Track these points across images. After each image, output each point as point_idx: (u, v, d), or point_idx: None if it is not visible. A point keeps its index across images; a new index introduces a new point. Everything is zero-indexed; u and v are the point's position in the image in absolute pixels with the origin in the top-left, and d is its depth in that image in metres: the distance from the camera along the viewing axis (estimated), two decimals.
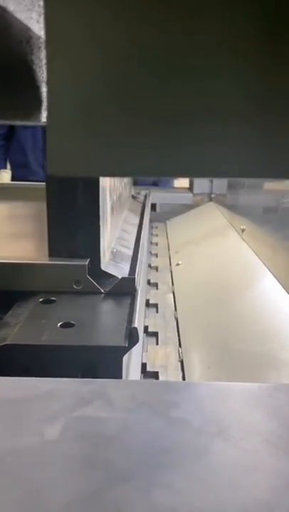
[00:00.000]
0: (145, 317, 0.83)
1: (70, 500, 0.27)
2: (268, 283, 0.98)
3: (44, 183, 0.67)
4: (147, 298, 0.92)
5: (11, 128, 2.42)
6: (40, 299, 0.62)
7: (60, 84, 0.24)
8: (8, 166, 2.52)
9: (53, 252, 0.66)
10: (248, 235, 1.28)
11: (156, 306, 0.91)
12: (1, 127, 2.45)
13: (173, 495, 0.28)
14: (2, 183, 1.95)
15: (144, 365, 0.67)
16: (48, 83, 0.23)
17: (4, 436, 0.32)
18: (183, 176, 0.25)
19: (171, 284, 1.06)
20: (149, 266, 1.14)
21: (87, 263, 0.63)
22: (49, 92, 0.23)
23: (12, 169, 2.51)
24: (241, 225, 1.35)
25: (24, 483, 0.28)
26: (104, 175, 0.29)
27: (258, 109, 0.24)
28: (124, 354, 0.51)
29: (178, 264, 1.19)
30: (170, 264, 1.21)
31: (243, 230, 1.31)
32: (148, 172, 0.25)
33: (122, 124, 0.24)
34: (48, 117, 0.23)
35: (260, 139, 0.25)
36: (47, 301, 0.62)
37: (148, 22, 0.24)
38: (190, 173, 0.26)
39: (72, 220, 0.66)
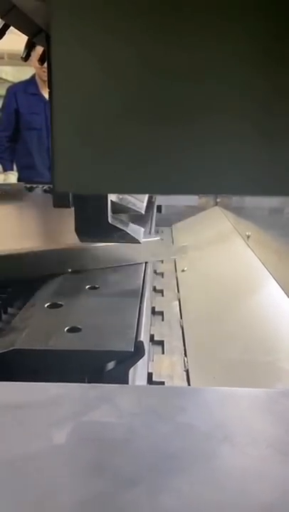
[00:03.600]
0: (151, 325, 0.83)
1: (78, 504, 0.28)
2: (274, 291, 0.98)
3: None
4: (153, 305, 0.92)
5: (17, 130, 2.43)
6: (47, 304, 0.62)
7: (65, 104, 0.24)
8: (15, 167, 2.53)
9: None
10: (253, 241, 1.28)
11: (162, 313, 0.91)
12: (7, 129, 2.46)
13: (180, 500, 0.28)
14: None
15: (150, 375, 0.68)
16: (52, 101, 0.24)
17: (14, 441, 0.33)
18: (194, 193, 0.25)
19: (176, 290, 1.06)
20: (155, 272, 1.14)
21: None
22: (54, 110, 0.24)
23: (18, 171, 2.52)
24: (247, 230, 1.35)
25: (33, 488, 0.29)
26: (110, 192, 0.30)
27: (264, 127, 0.25)
28: (132, 362, 0.52)
29: (183, 270, 1.19)
30: (176, 270, 1.21)
31: (248, 237, 1.31)
32: (154, 189, 0.25)
33: (127, 142, 0.24)
34: (53, 136, 0.24)
35: (266, 158, 0.25)
36: (54, 306, 0.62)
37: (150, 41, 0.24)
38: (202, 190, 0.26)
39: None
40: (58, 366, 0.51)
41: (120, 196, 0.64)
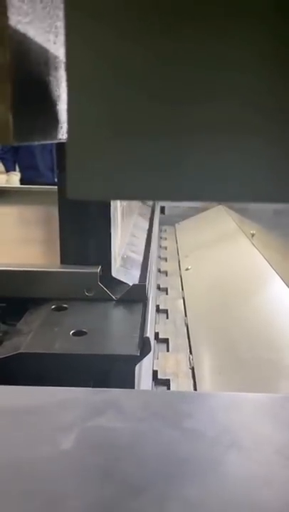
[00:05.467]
0: (156, 323, 0.83)
1: (84, 510, 0.28)
2: (279, 289, 0.97)
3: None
4: (157, 303, 0.92)
5: None
6: (53, 306, 0.62)
7: (80, 109, 0.24)
8: (17, 168, 2.53)
9: (64, 259, 0.66)
10: (258, 240, 1.28)
11: (166, 311, 0.91)
12: None
13: (187, 506, 0.28)
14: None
15: (155, 373, 0.68)
16: (68, 106, 0.23)
17: (20, 446, 0.33)
18: (212, 200, 0.25)
19: (181, 289, 1.06)
20: (159, 270, 1.14)
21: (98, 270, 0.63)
22: (69, 115, 0.24)
23: (21, 171, 2.52)
24: (251, 229, 1.35)
25: (40, 493, 0.29)
26: (126, 198, 0.29)
27: (274, 135, 0.25)
28: (137, 363, 0.52)
29: (187, 269, 1.19)
30: (179, 269, 1.21)
31: (252, 235, 1.31)
32: (168, 196, 0.25)
33: (140, 149, 0.24)
34: (67, 142, 0.24)
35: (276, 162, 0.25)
36: (59, 309, 0.62)
37: (167, 48, 0.24)
38: (222, 197, 0.26)
39: (84, 227, 0.66)
40: (63, 369, 0.50)
41: None
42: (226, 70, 0.23)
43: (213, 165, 0.24)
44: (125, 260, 0.78)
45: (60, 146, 0.55)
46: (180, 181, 0.24)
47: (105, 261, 0.66)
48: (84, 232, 0.67)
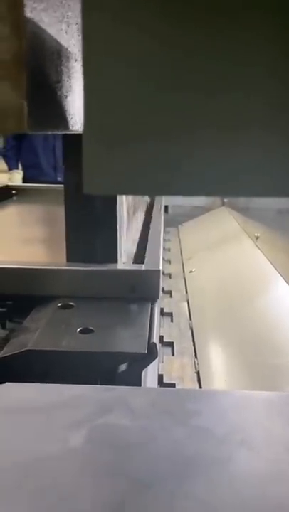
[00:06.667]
0: (160, 326, 0.81)
1: (93, 508, 0.27)
2: (284, 292, 0.96)
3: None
4: (161, 306, 0.91)
5: None
6: (59, 304, 0.61)
7: (96, 105, 0.23)
8: (20, 166, 2.52)
9: (71, 257, 0.65)
10: (262, 242, 1.26)
11: (170, 315, 0.89)
12: None
13: (197, 504, 0.28)
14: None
15: (160, 377, 0.66)
16: (84, 102, 0.22)
17: (28, 443, 0.33)
18: (226, 195, 0.24)
19: (185, 291, 1.05)
20: (163, 273, 1.12)
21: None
22: (85, 111, 0.23)
23: (23, 170, 2.51)
24: (255, 231, 1.33)
25: (49, 491, 0.28)
26: (137, 193, 0.28)
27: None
28: (145, 364, 0.50)
29: (191, 272, 1.17)
30: (183, 271, 1.20)
31: (257, 238, 1.30)
32: (182, 191, 0.24)
33: (158, 143, 0.24)
34: (84, 137, 0.23)
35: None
36: (65, 306, 0.61)
37: (187, 46, 0.23)
38: (235, 192, 0.24)
39: (90, 224, 0.65)
40: (70, 367, 0.49)
41: None
42: (241, 64, 0.23)
43: (230, 160, 0.23)
44: (131, 257, 0.77)
45: (68, 139, 0.54)
46: (195, 176, 0.23)
47: (113, 258, 0.64)
48: (90, 229, 0.65)
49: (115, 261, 0.65)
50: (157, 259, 0.69)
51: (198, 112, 0.23)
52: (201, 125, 0.23)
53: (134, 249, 0.82)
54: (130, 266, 0.66)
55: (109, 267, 0.64)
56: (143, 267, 0.64)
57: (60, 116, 0.32)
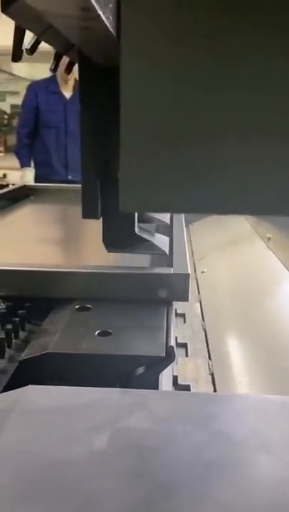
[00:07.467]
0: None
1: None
2: None
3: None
4: (174, 307, 0.91)
5: (36, 127, 2.43)
6: (76, 306, 0.62)
7: (134, 125, 0.24)
8: (32, 164, 2.53)
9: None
10: (274, 243, 1.27)
11: (183, 316, 0.90)
12: (26, 126, 2.46)
13: (218, 508, 0.28)
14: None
15: (175, 378, 0.67)
16: (121, 125, 0.23)
17: (50, 446, 0.33)
18: (263, 213, 0.24)
19: (197, 292, 1.05)
20: None
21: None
22: (122, 131, 0.23)
23: (35, 167, 2.52)
24: (267, 232, 1.33)
25: (73, 494, 0.29)
26: (174, 211, 0.29)
27: None
28: (163, 367, 0.51)
29: (203, 272, 1.18)
30: (195, 271, 1.20)
31: (269, 239, 1.30)
32: (219, 209, 0.25)
33: (194, 161, 0.24)
34: (121, 155, 0.24)
35: None
36: (83, 309, 0.62)
37: (220, 63, 0.24)
38: (269, 210, 0.25)
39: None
40: (90, 370, 0.50)
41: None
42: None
43: (270, 177, 0.24)
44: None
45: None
46: (232, 195, 0.24)
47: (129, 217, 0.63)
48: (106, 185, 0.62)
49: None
50: (185, 262, 0.69)
51: (235, 131, 0.24)
52: (239, 144, 0.24)
53: None
54: (160, 269, 0.67)
55: (140, 270, 0.65)
56: (172, 270, 0.64)
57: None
